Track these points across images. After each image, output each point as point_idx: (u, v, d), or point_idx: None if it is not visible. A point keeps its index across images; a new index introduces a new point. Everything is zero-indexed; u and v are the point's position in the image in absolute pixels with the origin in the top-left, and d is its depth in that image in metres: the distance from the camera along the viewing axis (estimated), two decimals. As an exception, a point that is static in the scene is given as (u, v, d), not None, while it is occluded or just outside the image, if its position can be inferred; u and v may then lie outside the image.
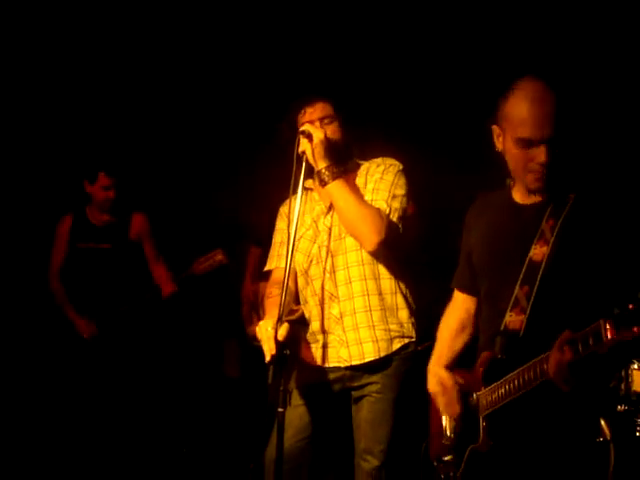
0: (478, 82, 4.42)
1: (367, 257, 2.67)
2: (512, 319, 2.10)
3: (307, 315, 2.80)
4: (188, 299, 4.19)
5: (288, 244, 2.54)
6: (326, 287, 2.69)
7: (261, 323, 2.50)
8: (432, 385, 2.40)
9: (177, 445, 4.27)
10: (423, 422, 2.62)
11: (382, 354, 2.65)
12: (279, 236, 2.85)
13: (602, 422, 3.33)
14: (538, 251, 2.10)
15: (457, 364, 2.43)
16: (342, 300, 2.68)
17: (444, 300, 2.65)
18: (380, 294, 2.68)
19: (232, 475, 3.95)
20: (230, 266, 4.09)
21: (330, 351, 2.69)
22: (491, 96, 4.42)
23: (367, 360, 2.65)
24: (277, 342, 2.39)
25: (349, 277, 2.67)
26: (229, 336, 4.44)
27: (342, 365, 2.67)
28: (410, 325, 2.71)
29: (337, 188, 2.60)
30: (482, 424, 2.12)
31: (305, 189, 2.68)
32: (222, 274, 4.07)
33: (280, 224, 2.87)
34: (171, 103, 4.66)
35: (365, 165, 2.80)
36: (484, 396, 2.12)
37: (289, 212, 2.63)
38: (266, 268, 2.88)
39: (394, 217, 2.63)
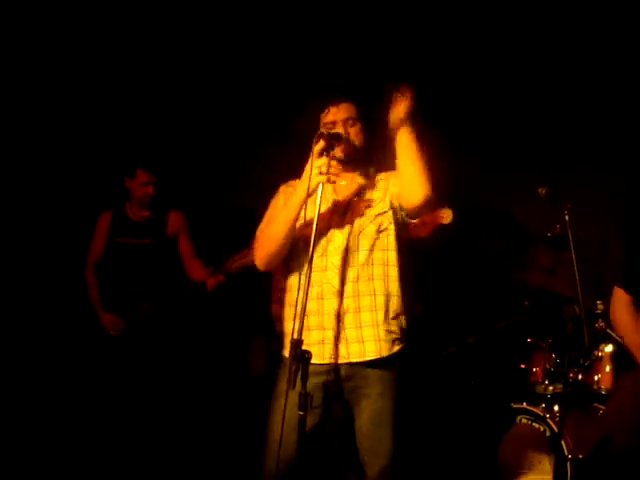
0: (503, 82, 4.41)
1: (378, 258, 2.70)
2: None
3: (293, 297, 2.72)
4: (216, 296, 4.23)
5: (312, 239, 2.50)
6: (332, 282, 2.67)
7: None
8: None
9: (199, 442, 4.34)
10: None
11: (384, 354, 2.68)
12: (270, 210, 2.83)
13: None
14: None
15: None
16: (346, 297, 2.68)
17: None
18: (387, 295, 2.70)
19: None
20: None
21: (326, 347, 2.66)
22: (515, 94, 4.44)
23: (367, 358, 2.66)
24: (297, 343, 2.39)
25: (357, 275, 2.68)
26: (257, 334, 4.47)
27: (339, 362, 2.66)
28: (404, 331, 2.75)
29: (411, 135, 2.59)
30: None
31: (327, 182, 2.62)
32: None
33: (278, 201, 2.84)
34: (209, 102, 4.74)
35: (382, 175, 2.82)
36: None
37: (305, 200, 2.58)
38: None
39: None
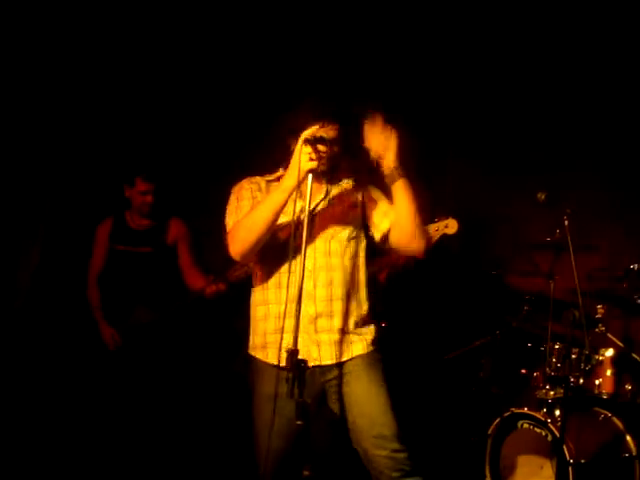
0: (504, 89, 4.42)
1: (349, 264, 2.75)
2: None
3: (265, 298, 2.79)
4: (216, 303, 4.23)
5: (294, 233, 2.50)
6: (306, 285, 2.62)
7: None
8: None
9: (201, 447, 4.34)
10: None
11: (354, 354, 2.72)
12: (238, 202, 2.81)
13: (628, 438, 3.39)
14: None
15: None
16: (320, 301, 2.71)
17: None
18: (358, 300, 2.78)
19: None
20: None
21: (300, 350, 2.54)
22: (516, 100, 4.43)
23: (342, 360, 2.71)
24: (294, 353, 2.40)
25: (331, 280, 2.72)
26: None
27: (310, 364, 2.60)
28: (376, 334, 2.80)
29: (407, 185, 2.65)
30: None
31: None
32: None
33: (245, 193, 2.80)
34: (208, 110, 4.74)
35: (371, 190, 2.86)
36: None
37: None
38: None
39: None
